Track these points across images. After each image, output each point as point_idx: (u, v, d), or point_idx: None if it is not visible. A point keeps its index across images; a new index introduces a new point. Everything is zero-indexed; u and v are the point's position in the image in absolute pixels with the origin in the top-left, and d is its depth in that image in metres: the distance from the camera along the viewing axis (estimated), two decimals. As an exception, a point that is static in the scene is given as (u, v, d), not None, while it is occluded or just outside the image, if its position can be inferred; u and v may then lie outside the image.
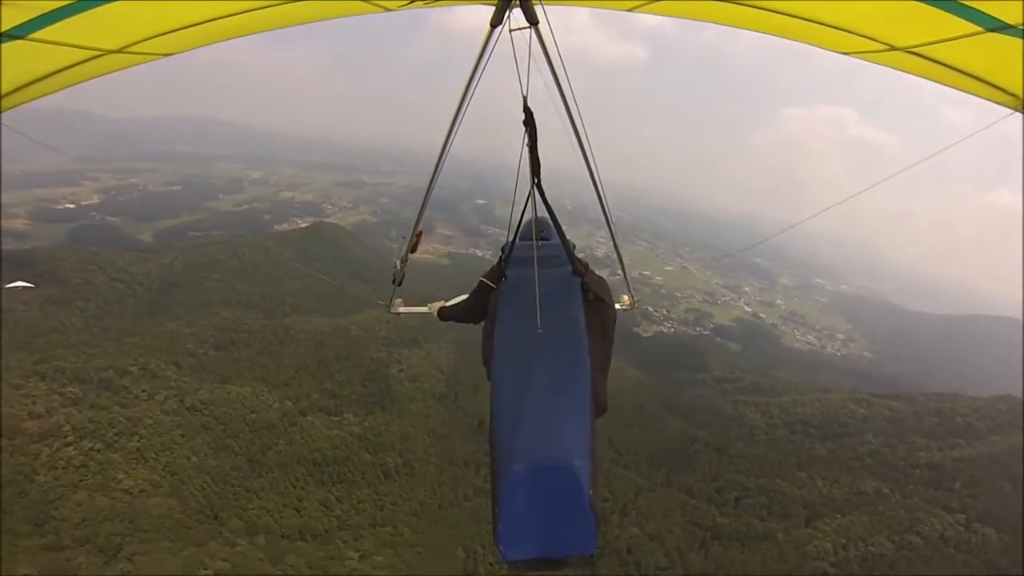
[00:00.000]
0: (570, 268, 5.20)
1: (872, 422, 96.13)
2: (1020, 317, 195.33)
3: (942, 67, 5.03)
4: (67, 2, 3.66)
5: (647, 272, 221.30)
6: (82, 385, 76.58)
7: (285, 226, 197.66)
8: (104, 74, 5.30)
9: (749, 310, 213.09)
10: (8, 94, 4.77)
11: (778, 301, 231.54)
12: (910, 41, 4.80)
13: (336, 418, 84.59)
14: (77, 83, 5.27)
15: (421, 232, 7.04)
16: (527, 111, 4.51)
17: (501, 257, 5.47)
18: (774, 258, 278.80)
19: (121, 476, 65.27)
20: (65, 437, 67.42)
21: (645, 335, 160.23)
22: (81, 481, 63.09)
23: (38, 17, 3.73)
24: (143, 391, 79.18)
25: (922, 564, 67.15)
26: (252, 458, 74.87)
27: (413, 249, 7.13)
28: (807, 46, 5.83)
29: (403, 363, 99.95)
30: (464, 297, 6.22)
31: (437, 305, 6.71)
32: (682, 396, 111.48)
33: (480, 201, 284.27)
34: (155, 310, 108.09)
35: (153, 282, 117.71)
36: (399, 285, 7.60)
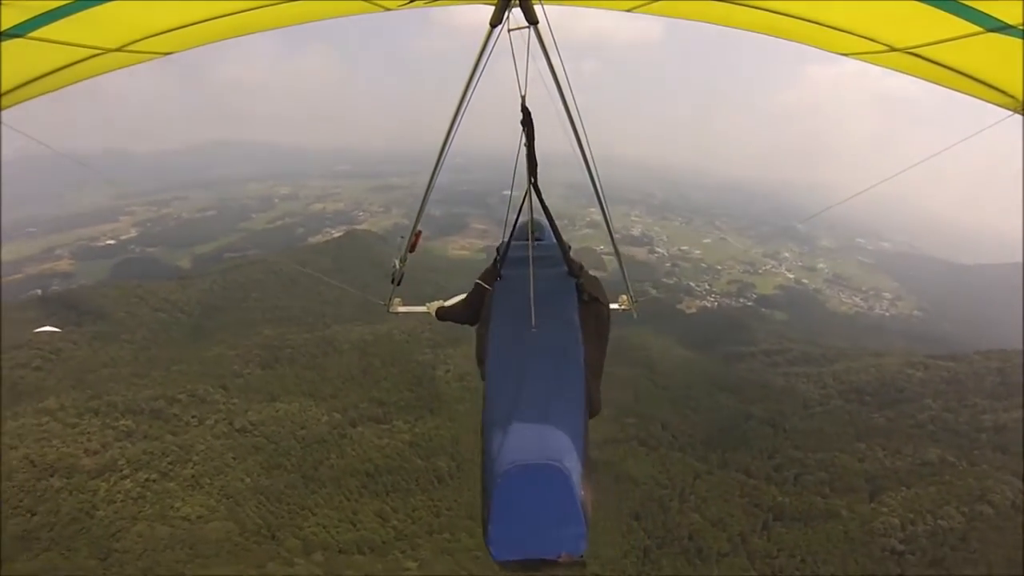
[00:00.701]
0: (565, 268, 5.26)
1: (930, 386, 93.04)
2: None
3: (941, 68, 5.02)
4: (67, 1, 3.67)
5: (685, 247, 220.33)
6: (134, 417, 77.75)
7: (319, 238, 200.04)
8: (104, 72, 5.34)
9: (792, 276, 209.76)
10: (8, 92, 4.77)
11: (820, 265, 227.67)
12: (910, 42, 4.80)
13: (386, 426, 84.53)
14: (77, 81, 5.28)
15: (420, 231, 7.07)
16: (525, 111, 4.70)
17: (496, 258, 5.57)
18: (812, 221, 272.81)
19: (178, 504, 66.13)
20: (121, 471, 68.58)
21: (689, 311, 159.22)
22: (140, 512, 64.09)
23: (38, 16, 3.75)
24: (193, 417, 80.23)
25: (995, 535, 64.11)
26: (305, 474, 75.12)
27: (412, 248, 7.10)
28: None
29: (449, 363, 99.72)
30: (462, 297, 6.22)
31: (436, 304, 6.71)
32: (731, 372, 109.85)
33: (506, 192, 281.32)
34: (199, 335, 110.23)
35: (195, 308, 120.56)
36: (398, 284, 7.49)
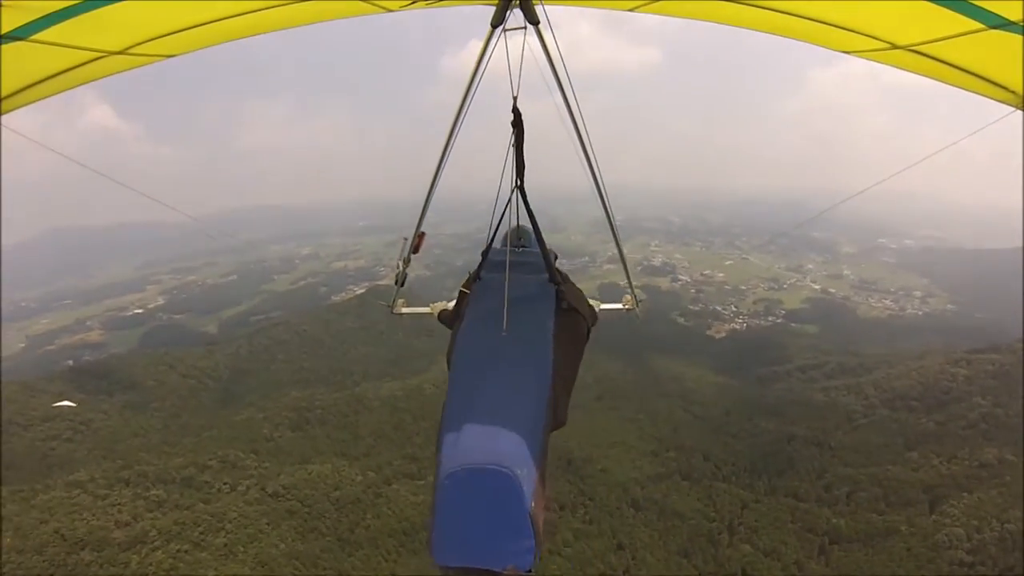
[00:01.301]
0: (547, 276, 5.06)
1: (977, 382, 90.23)
2: None
3: (944, 65, 5.00)
4: (69, 3, 3.63)
5: (707, 272, 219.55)
6: (165, 487, 76.66)
7: (342, 295, 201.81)
8: (107, 75, 5.27)
9: (817, 287, 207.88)
10: (9, 96, 4.70)
11: (845, 271, 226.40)
12: (912, 39, 4.78)
13: (420, 482, 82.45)
14: (80, 85, 5.22)
15: (424, 233, 7.00)
16: (516, 112, 4.63)
17: (480, 263, 5.41)
18: (830, 228, 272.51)
19: (212, 575, 64.56)
20: (152, 542, 67.05)
21: (719, 336, 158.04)
22: (173, 585, 62.79)
23: (40, 19, 3.69)
24: (225, 484, 78.83)
25: None
26: (341, 537, 73.09)
27: (416, 250, 7.06)
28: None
29: None
30: None
31: (439, 305, 6.74)
32: (769, 393, 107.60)
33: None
34: (228, 400, 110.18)
35: (223, 373, 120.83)
36: (402, 286, 7.52)
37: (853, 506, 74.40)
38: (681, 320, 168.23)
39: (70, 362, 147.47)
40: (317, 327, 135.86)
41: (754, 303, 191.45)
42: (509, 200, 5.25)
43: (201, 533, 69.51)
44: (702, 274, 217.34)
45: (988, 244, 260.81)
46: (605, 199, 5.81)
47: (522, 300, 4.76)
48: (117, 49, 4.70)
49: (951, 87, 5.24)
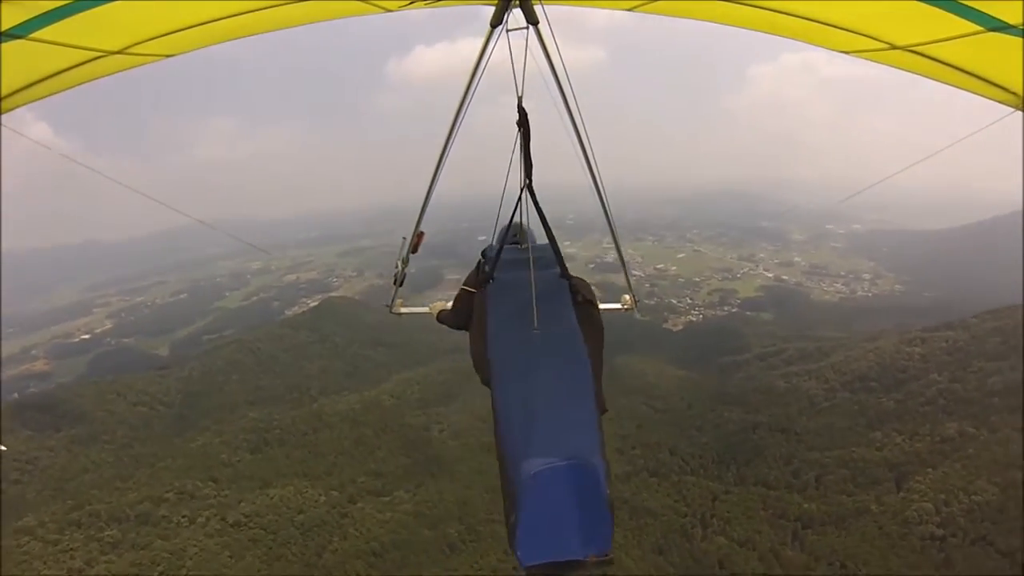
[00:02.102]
0: (558, 270, 5.22)
1: (932, 359, 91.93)
2: None
3: (943, 66, 5.03)
4: (68, 1, 3.62)
5: (660, 265, 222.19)
6: (119, 526, 73.41)
7: (295, 309, 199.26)
8: (107, 75, 5.23)
9: (770, 275, 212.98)
10: (9, 95, 4.70)
11: (796, 258, 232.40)
12: (911, 40, 4.81)
13: (386, 499, 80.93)
14: (78, 84, 5.15)
15: (423, 232, 6.86)
16: (521, 111, 4.61)
17: (480, 262, 5.50)
18: (779, 216, 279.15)
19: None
20: (109, 588, 64.34)
21: (676, 329, 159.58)
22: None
23: (39, 16, 3.69)
24: (183, 517, 75.84)
25: None
26: (308, 562, 70.70)
27: (414, 249, 6.98)
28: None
29: (442, 422, 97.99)
30: None
31: (439, 305, 6.62)
32: (730, 383, 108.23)
33: (481, 238, 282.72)
34: (182, 426, 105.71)
35: (175, 398, 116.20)
36: (400, 285, 7.59)
37: (822, 489, 74.67)
38: (637, 315, 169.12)
39: (15, 395, 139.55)
40: (271, 344, 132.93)
41: (709, 294, 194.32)
42: (519, 199, 5.16)
43: (161, 573, 67.02)
44: (655, 268, 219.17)
45: (931, 225, 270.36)
46: (605, 200, 5.77)
47: (544, 297, 4.83)
48: (116, 49, 4.71)
49: (953, 87, 5.26)
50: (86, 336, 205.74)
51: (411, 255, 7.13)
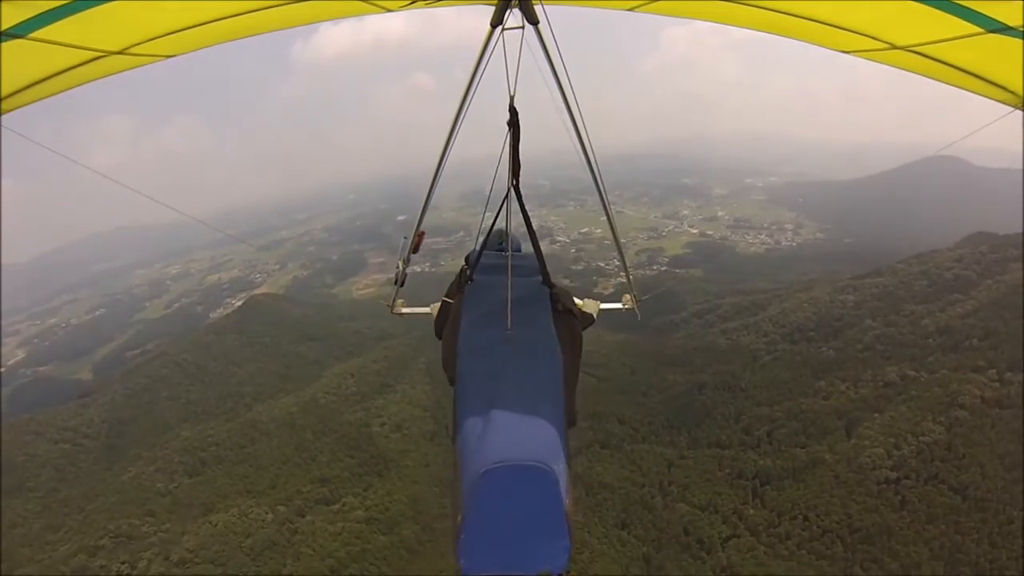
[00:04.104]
0: (540, 278, 5.05)
1: (865, 306, 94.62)
2: (957, 155, 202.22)
3: (943, 65, 4.99)
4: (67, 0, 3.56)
5: (584, 229, 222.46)
6: (55, 588, 67.92)
7: (221, 311, 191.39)
8: (107, 75, 5.12)
9: (695, 231, 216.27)
10: (9, 96, 4.55)
11: (719, 213, 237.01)
12: (911, 40, 4.79)
13: (336, 506, 77.50)
14: (79, 85, 5.02)
15: (424, 232, 6.63)
16: (512, 111, 4.59)
17: (463, 268, 5.28)
18: (700, 174, 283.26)
19: None
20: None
21: (607, 293, 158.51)
22: None
23: (39, 15, 3.60)
24: (123, 564, 70.01)
25: (977, 434, 64.27)
26: (264, 592, 67.47)
27: (415, 249, 6.67)
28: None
29: (382, 415, 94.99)
30: None
31: (440, 306, 6.03)
32: (670, 344, 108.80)
33: (400, 217, 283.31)
34: (112, 458, 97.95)
35: (100, 428, 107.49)
36: (402, 285, 7.17)
37: (775, 444, 75.24)
38: (567, 282, 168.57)
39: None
40: (197, 353, 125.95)
41: (636, 254, 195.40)
42: (505, 199, 5.17)
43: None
44: (579, 233, 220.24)
45: (843, 176, 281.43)
46: (605, 200, 5.65)
47: (521, 300, 4.56)
48: (117, 49, 4.61)
49: (954, 87, 5.18)
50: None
51: (411, 255, 6.84)
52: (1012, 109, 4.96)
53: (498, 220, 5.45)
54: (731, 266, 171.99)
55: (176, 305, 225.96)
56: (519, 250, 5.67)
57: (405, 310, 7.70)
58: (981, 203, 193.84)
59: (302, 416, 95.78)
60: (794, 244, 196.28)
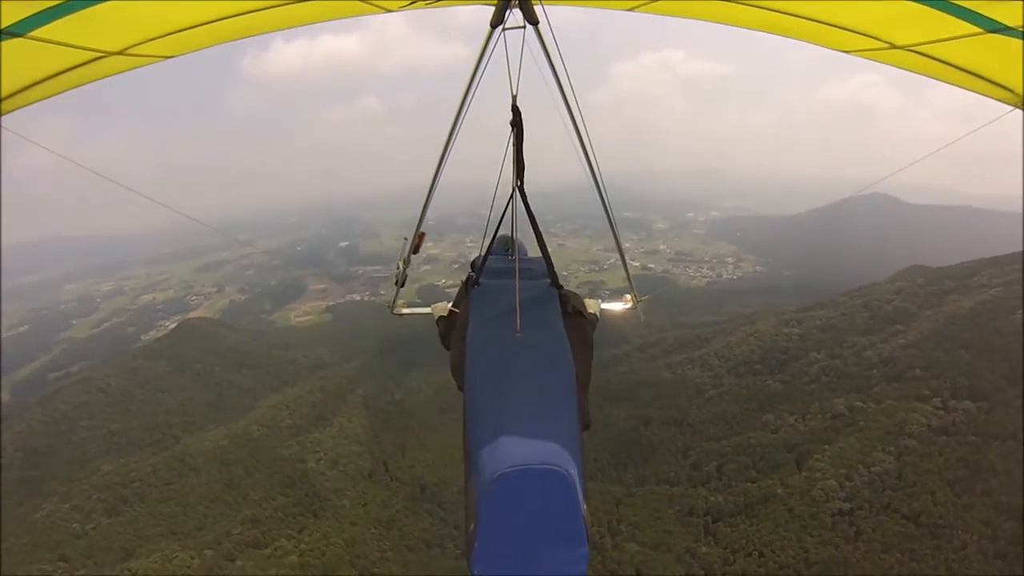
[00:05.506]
0: (548, 281, 5.09)
1: (810, 338, 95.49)
2: (888, 191, 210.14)
3: (943, 65, 5.09)
4: None
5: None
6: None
7: (153, 334, 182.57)
8: (107, 76, 5.16)
9: (637, 264, 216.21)
10: (9, 96, 4.60)
11: (661, 246, 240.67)
12: (912, 40, 4.88)
13: (268, 550, 72.91)
14: (78, 86, 5.07)
15: (424, 233, 6.56)
16: (515, 111, 4.61)
17: (469, 276, 5.33)
18: (641, 207, 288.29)
19: None
20: None
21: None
22: None
23: (38, 13, 3.61)
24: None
25: (926, 462, 64.95)
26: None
27: (416, 250, 6.62)
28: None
29: (318, 450, 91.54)
30: None
31: (441, 306, 6.02)
32: (614, 378, 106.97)
33: (343, 243, 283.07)
34: (25, 493, 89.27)
35: (13, 458, 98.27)
36: (402, 286, 7.14)
37: (725, 479, 74.49)
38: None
39: None
40: (124, 378, 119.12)
41: (577, 287, 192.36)
42: (509, 201, 5.12)
43: None
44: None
45: (780, 211, 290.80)
46: (606, 199, 5.71)
47: (530, 303, 4.55)
48: (116, 49, 4.63)
49: (954, 86, 5.29)
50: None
51: (412, 255, 6.62)
52: (1012, 108, 4.99)
53: (501, 225, 5.32)
54: (674, 300, 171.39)
55: (106, 324, 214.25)
56: (525, 254, 5.60)
57: (405, 310, 7.63)
58: (912, 237, 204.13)
59: (233, 450, 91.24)
60: (735, 277, 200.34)
